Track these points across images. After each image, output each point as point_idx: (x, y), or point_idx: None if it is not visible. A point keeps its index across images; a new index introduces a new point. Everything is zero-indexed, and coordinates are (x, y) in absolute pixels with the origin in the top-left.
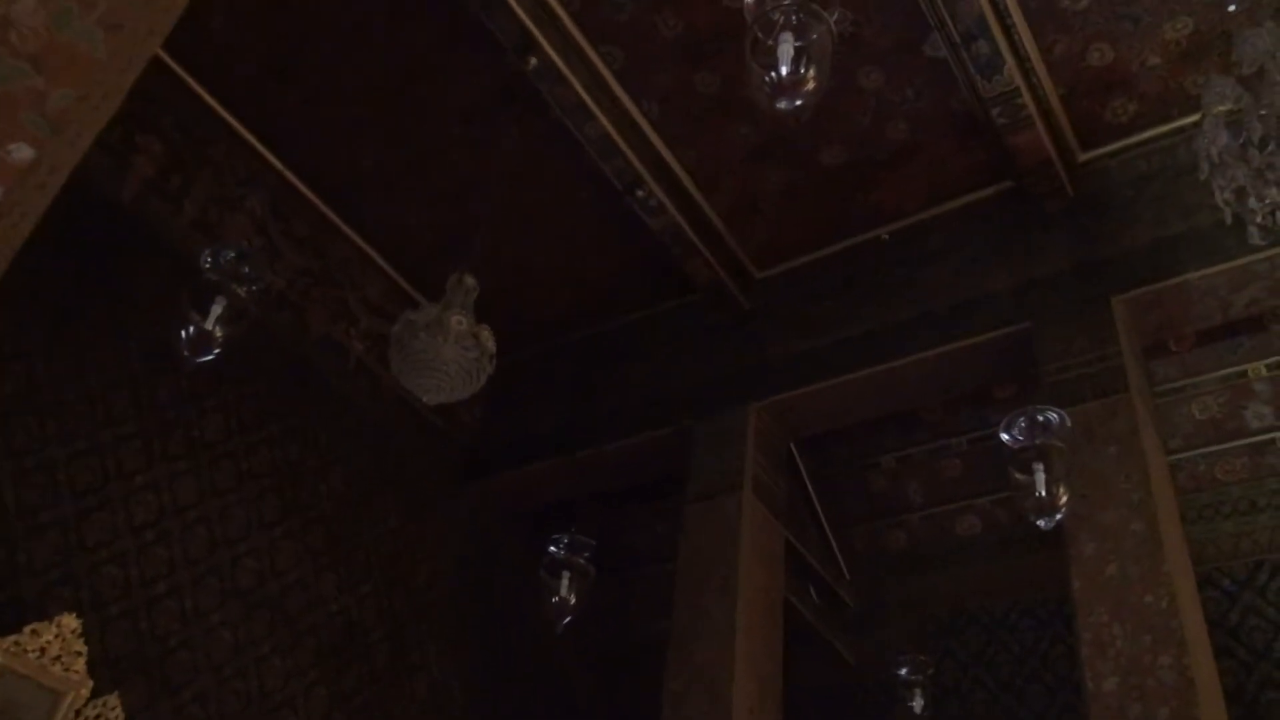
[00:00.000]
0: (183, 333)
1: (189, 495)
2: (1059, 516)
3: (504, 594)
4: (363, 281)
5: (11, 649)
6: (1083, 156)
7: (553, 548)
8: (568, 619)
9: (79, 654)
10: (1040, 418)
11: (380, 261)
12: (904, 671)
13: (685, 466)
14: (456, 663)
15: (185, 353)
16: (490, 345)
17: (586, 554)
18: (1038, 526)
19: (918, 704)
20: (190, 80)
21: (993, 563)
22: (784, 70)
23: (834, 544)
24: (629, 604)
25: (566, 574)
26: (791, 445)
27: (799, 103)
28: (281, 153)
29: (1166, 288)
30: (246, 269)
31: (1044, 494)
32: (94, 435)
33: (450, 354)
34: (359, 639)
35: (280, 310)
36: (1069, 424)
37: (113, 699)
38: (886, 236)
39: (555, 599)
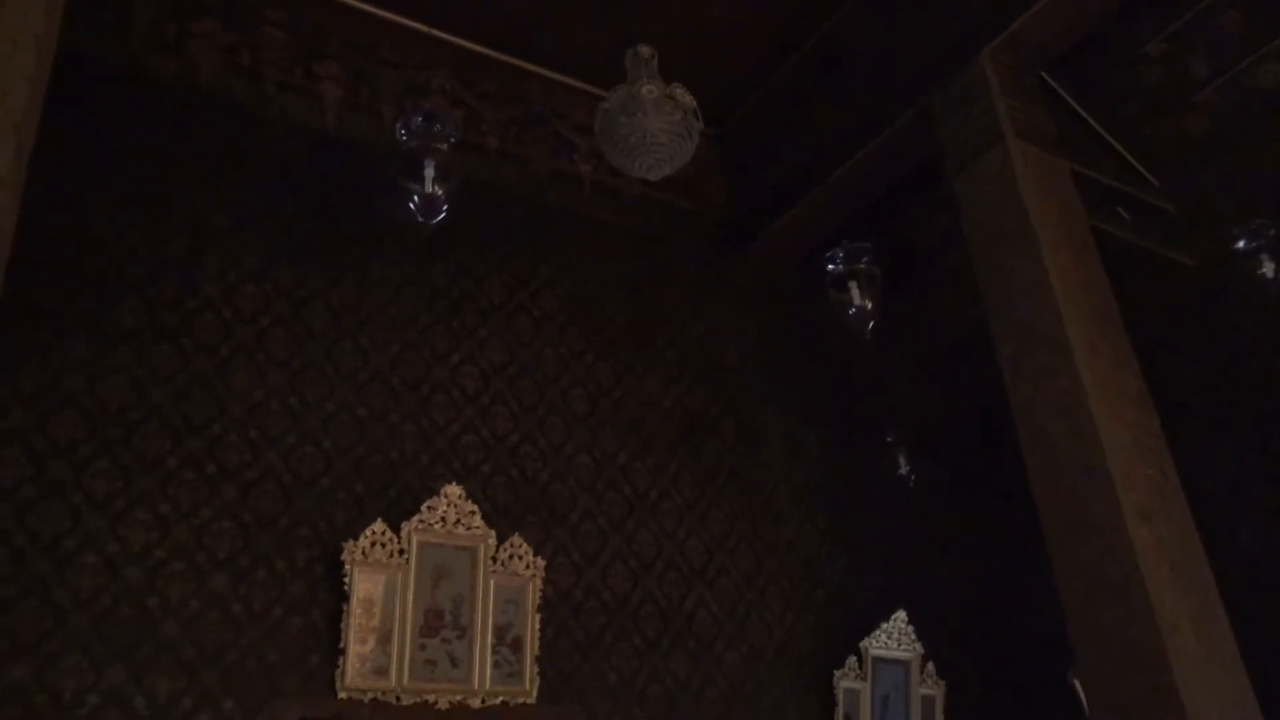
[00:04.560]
0: (410, 204)
1: (501, 357)
2: None
3: (813, 342)
4: (565, 108)
5: (419, 526)
6: None
7: (830, 265)
8: (871, 323)
9: (473, 513)
10: None
11: (573, 82)
12: (1241, 244)
13: (940, 143)
14: (798, 415)
15: (420, 219)
16: (689, 100)
17: (866, 258)
18: None
19: (1268, 269)
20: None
21: None
22: None
23: (1127, 156)
24: (935, 309)
25: (853, 283)
26: (1042, 75)
27: None
28: (445, 26)
29: None
30: (438, 127)
31: None
32: (404, 336)
33: (654, 124)
34: (701, 423)
35: (503, 165)
36: None
37: (516, 539)
38: None
39: (852, 310)
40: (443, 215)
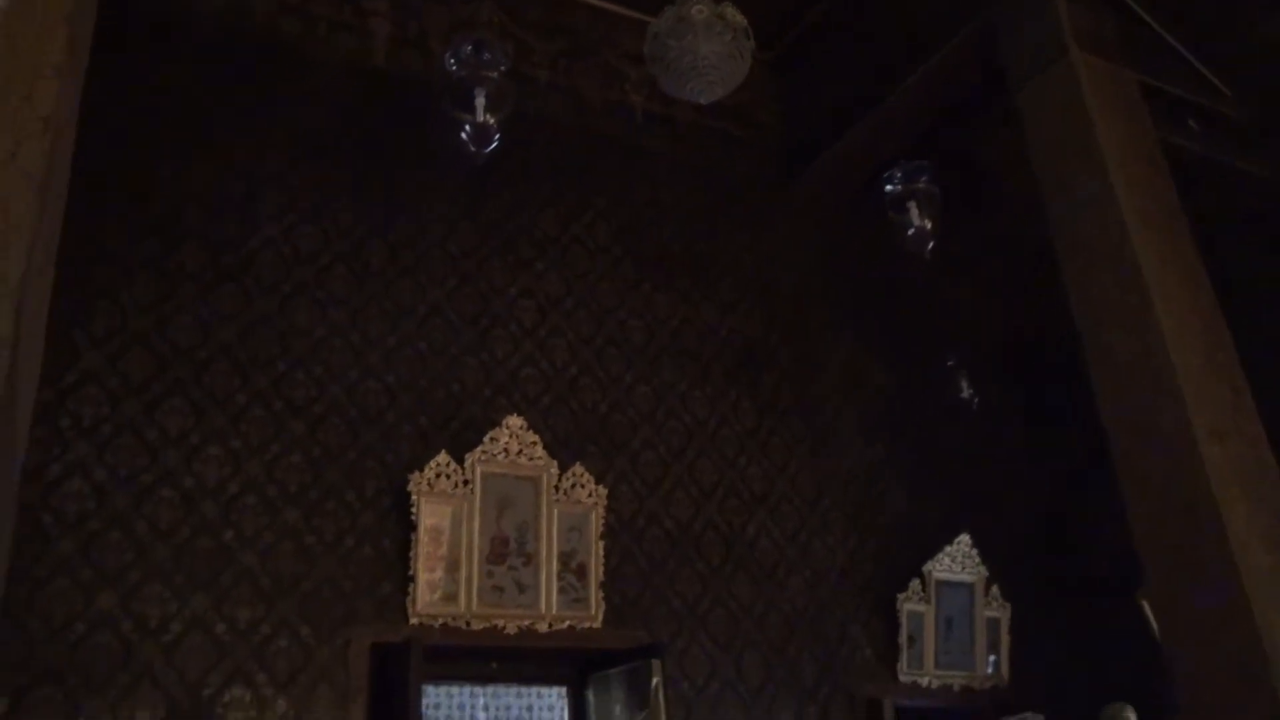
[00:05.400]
0: (462, 134)
1: (557, 290)
2: None
3: (872, 267)
4: (615, 37)
5: (482, 457)
6: None
7: (888, 186)
8: (930, 244)
9: (535, 443)
10: None
11: (621, 10)
12: None
13: (1002, 58)
14: (857, 341)
15: (472, 149)
16: (739, 19)
17: (925, 177)
18: None
19: None
20: None
21: None
22: None
23: (1198, 65)
24: (998, 230)
25: (912, 203)
26: None
27: None
28: None
29: None
30: (487, 55)
31: None
32: (460, 270)
33: (705, 47)
34: (758, 350)
35: (554, 97)
36: None
37: (578, 468)
38: None
39: (911, 230)
40: (495, 145)
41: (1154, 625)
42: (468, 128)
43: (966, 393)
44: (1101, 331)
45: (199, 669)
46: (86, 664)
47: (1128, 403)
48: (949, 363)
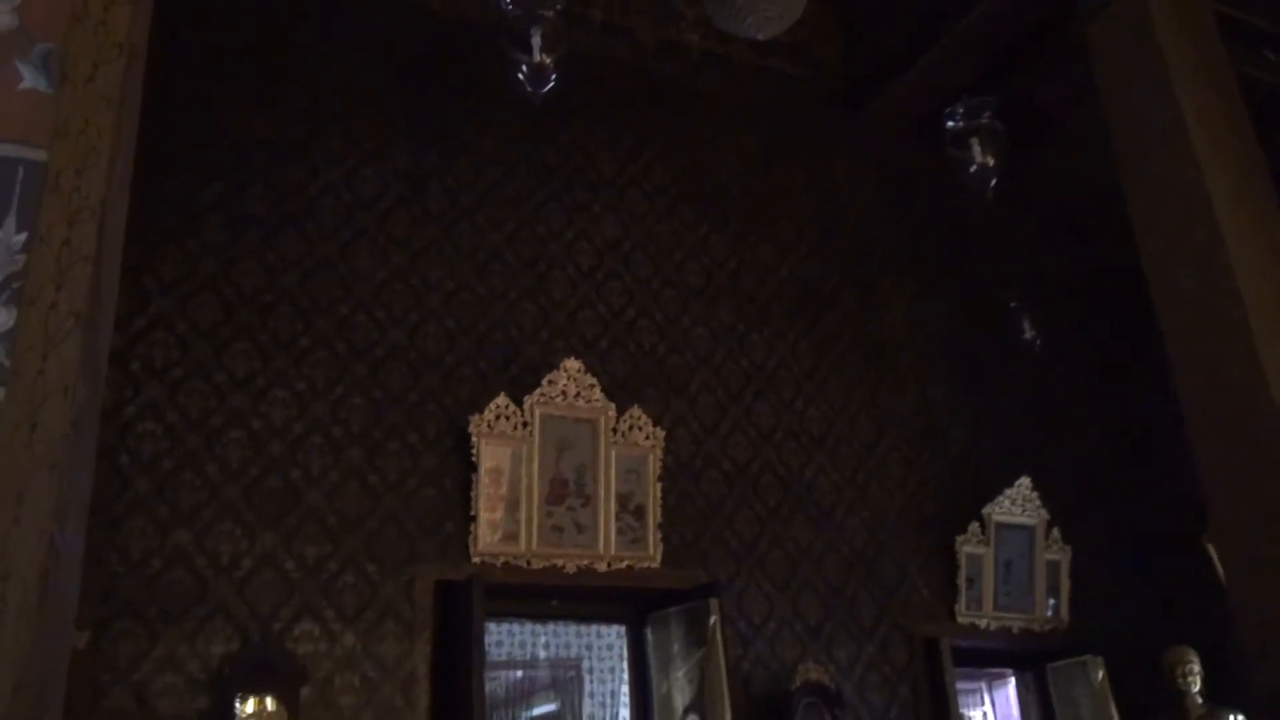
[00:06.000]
0: (519, 75)
1: (614, 231)
2: None
3: (933, 207)
4: None
5: (541, 400)
6: None
7: (950, 122)
8: (993, 181)
9: (592, 386)
10: None
11: None
12: None
13: None
14: (918, 281)
15: (529, 89)
16: None
17: (989, 112)
18: None
19: None
20: None
21: None
22: None
23: None
24: (1062, 167)
25: (975, 139)
26: None
27: None
28: None
29: None
30: None
31: None
32: (518, 214)
33: None
34: (818, 292)
35: (610, 38)
36: None
37: (635, 410)
38: None
39: (973, 167)
40: (551, 84)
41: (1219, 570)
42: (524, 68)
43: (1029, 334)
44: (1169, 269)
45: (270, 604)
46: (163, 598)
47: (1196, 342)
48: (1011, 303)
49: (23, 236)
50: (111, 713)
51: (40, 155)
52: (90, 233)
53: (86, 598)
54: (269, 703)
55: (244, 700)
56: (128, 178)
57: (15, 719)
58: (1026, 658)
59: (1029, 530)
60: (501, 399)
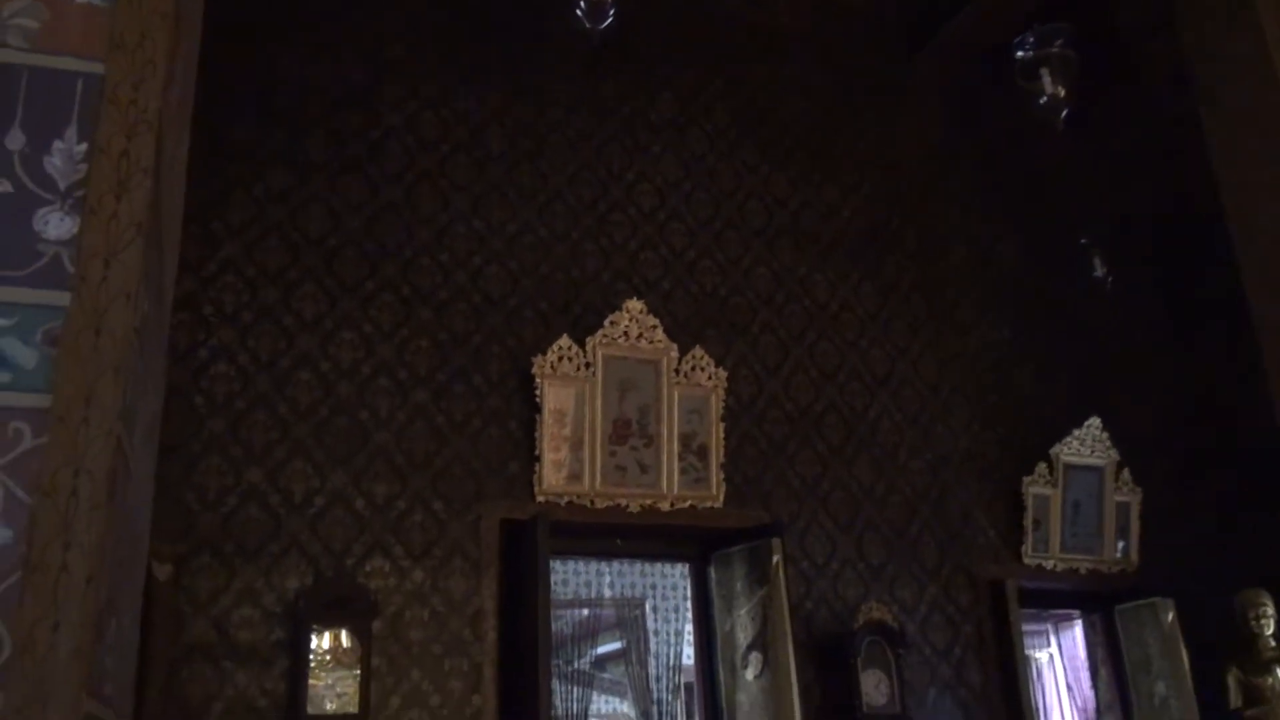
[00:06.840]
0: (577, 10)
1: (675, 173)
2: None
3: (1000, 143)
4: None
5: (603, 341)
6: None
7: (1019, 52)
8: (1064, 112)
9: (655, 327)
10: None
11: None
12: None
13: None
14: (984, 219)
15: (588, 25)
16: None
17: (1060, 40)
18: None
19: None
20: None
21: None
22: None
23: None
24: (1135, 100)
25: (1045, 69)
26: None
27: None
28: None
29: None
30: None
31: None
32: (579, 156)
33: None
34: (880, 232)
35: None
36: None
37: (698, 351)
38: None
39: (1043, 99)
40: (609, 20)
41: None
42: (583, 3)
43: (1100, 271)
44: (1248, 204)
45: (342, 540)
46: (239, 534)
47: (1274, 274)
48: (1082, 240)
49: (84, 147)
50: (194, 643)
51: (98, 68)
52: (148, 145)
53: (166, 534)
54: (344, 637)
55: (320, 633)
56: (189, 101)
57: (86, 609)
58: (1094, 599)
59: (1099, 471)
60: (564, 340)
